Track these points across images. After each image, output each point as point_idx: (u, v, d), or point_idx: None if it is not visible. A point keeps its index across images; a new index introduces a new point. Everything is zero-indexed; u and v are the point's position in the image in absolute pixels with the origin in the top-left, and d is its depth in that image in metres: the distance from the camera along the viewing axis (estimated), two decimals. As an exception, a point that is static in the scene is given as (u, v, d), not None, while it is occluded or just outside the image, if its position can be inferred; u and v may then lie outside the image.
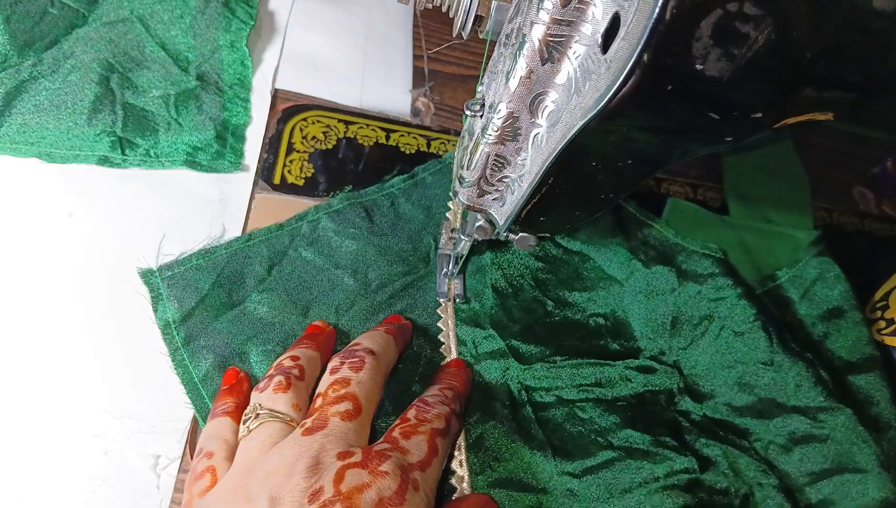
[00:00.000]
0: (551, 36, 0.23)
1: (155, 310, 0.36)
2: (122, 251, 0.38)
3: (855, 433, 0.35)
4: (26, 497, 0.32)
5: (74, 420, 0.33)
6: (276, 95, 0.47)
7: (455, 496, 0.33)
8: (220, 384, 0.34)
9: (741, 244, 0.45)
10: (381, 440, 0.30)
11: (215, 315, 0.36)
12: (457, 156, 0.34)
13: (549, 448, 0.35)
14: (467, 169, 0.30)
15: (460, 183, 0.31)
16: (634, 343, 0.41)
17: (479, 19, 0.38)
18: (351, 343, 0.34)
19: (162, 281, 0.37)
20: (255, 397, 0.31)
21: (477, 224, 0.35)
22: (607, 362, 0.39)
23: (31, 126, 0.40)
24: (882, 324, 0.42)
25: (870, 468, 0.35)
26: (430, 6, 0.45)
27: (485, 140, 0.27)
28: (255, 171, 0.43)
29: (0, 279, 0.36)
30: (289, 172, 0.44)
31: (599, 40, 0.21)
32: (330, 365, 0.33)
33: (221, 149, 0.43)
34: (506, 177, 0.29)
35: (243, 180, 0.43)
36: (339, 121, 0.47)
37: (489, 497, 0.33)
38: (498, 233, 0.35)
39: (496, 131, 0.27)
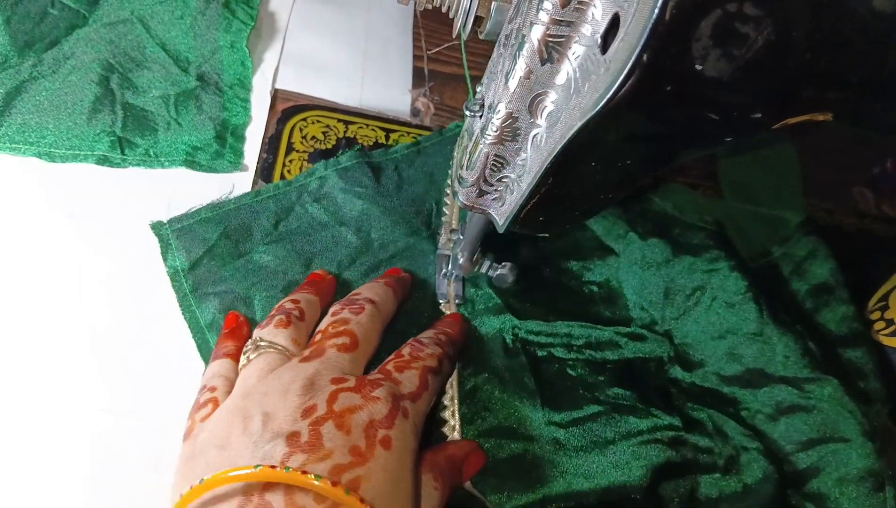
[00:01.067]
0: (551, 36, 0.23)
1: (164, 259, 0.37)
2: (122, 251, 0.38)
3: (840, 404, 0.36)
4: (26, 497, 0.31)
5: (75, 420, 0.33)
6: (276, 95, 0.47)
7: None
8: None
9: (733, 226, 0.46)
10: (375, 371, 0.31)
11: (222, 264, 0.38)
12: (456, 156, 0.34)
13: (539, 398, 0.35)
14: (467, 169, 0.30)
15: (460, 183, 0.31)
16: (626, 313, 0.42)
17: (478, 20, 0.38)
18: (351, 293, 0.36)
19: (171, 232, 0.38)
20: (257, 332, 0.33)
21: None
22: (598, 326, 0.39)
23: (31, 126, 0.40)
24: (881, 324, 0.42)
25: (854, 437, 0.35)
26: (429, 7, 0.45)
27: (484, 140, 0.27)
28: (254, 171, 0.43)
29: (0, 279, 0.36)
30: (288, 171, 0.44)
31: (599, 41, 0.21)
32: (331, 310, 0.34)
33: (221, 149, 0.43)
34: (505, 177, 0.29)
35: (243, 180, 0.43)
36: (339, 121, 0.47)
37: (476, 443, 0.34)
38: (478, 270, 0.38)
39: (495, 132, 0.27)
